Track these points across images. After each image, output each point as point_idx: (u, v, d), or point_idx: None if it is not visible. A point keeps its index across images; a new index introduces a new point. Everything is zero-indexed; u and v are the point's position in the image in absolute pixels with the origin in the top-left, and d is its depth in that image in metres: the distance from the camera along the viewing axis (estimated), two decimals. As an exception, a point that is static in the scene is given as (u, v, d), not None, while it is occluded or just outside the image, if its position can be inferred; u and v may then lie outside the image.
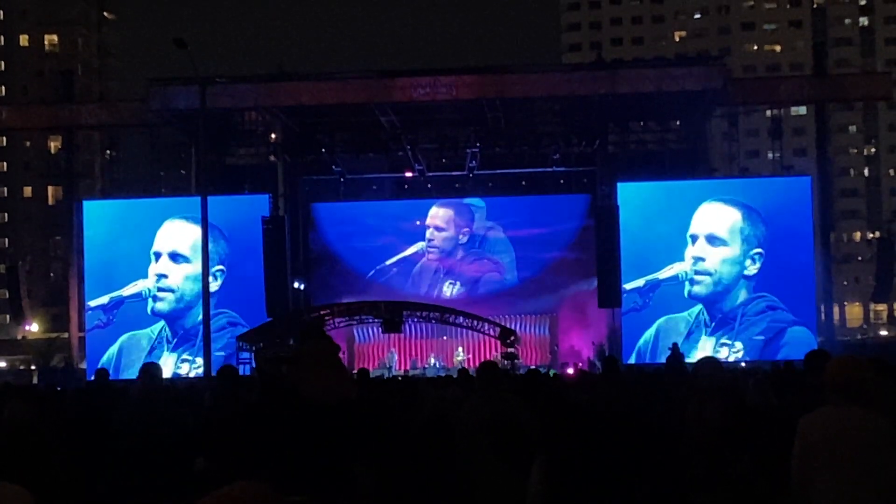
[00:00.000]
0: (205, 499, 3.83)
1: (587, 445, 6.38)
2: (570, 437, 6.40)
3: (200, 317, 42.65)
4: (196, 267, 43.40)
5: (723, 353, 41.04)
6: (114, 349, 43.76)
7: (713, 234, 42.75)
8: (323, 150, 46.05)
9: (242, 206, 43.79)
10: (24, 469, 5.79)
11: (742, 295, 42.53)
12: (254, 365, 36.88)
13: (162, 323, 44.07)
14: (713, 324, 42.36)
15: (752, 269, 42.65)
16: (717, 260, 42.67)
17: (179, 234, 43.94)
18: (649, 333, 42.23)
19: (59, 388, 21.66)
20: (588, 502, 6.40)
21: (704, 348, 41.46)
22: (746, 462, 8.09)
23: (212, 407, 11.85)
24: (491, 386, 9.31)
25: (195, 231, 43.73)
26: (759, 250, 42.57)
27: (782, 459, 6.96)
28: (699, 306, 42.52)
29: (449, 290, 47.64)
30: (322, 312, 43.53)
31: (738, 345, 42.25)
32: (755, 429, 8.28)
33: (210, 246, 31.94)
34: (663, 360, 40.41)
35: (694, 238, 42.71)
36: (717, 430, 8.32)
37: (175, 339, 43.88)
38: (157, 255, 44.11)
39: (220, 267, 42.99)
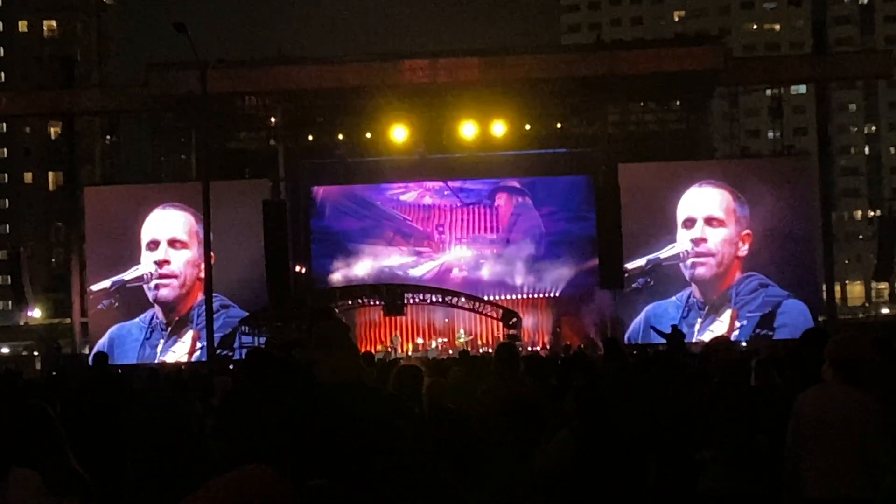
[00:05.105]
0: (213, 482, 3.86)
1: (614, 420, 6.62)
2: (600, 412, 6.64)
3: (196, 301, 42.66)
4: (194, 252, 43.31)
5: (719, 329, 41.15)
6: (103, 340, 43.36)
7: (712, 216, 42.80)
8: (323, 133, 46.01)
9: (243, 190, 43.79)
10: (35, 452, 5.83)
11: (736, 275, 42.66)
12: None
13: (152, 311, 43.83)
14: (707, 306, 42.40)
15: (742, 250, 42.77)
16: (718, 240, 42.71)
17: (175, 221, 43.86)
18: (637, 320, 42.22)
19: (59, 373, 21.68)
20: (612, 474, 6.61)
21: (701, 329, 41.62)
22: (761, 443, 8.16)
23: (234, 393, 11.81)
24: (509, 369, 9.23)
25: (188, 217, 43.70)
26: (747, 231, 42.70)
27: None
28: (689, 289, 42.53)
29: (451, 271, 47.59)
30: (324, 296, 43.54)
31: (736, 322, 42.31)
32: (764, 409, 8.34)
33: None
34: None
35: (691, 221, 42.72)
36: (734, 412, 8.36)
37: (170, 327, 43.66)
38: (155, 244, 43.93)
39: None
